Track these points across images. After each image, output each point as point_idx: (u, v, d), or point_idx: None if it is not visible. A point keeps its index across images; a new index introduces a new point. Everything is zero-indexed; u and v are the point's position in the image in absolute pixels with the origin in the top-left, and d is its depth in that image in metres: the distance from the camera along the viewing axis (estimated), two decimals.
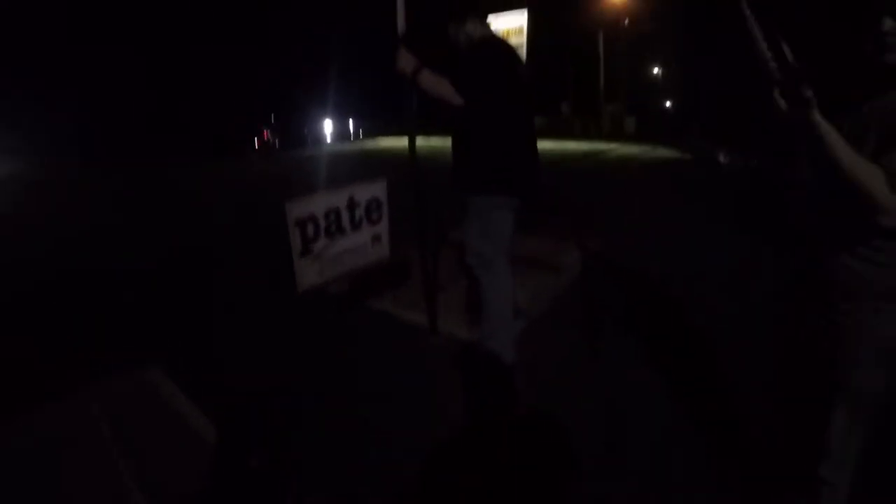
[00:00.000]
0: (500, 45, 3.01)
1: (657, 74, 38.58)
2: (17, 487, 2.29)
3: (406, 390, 2.96)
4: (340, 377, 3.15)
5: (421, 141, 3.45)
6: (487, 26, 3.10)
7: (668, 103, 37.87)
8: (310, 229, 3.26)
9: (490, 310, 3.05)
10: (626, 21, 31.49)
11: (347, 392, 2.99)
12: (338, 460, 2.41)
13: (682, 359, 3.15)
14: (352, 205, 3.45)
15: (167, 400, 2.93)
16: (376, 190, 3.57)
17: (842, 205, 1.42)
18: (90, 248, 7.23)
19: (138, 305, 4.64)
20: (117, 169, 20.59)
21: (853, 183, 1.32)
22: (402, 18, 3.04)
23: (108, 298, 4.88)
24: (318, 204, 3.29)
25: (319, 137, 43.88)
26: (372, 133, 40.18)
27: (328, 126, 45.79)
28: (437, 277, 4.40)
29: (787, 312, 1.73)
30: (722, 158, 12.58)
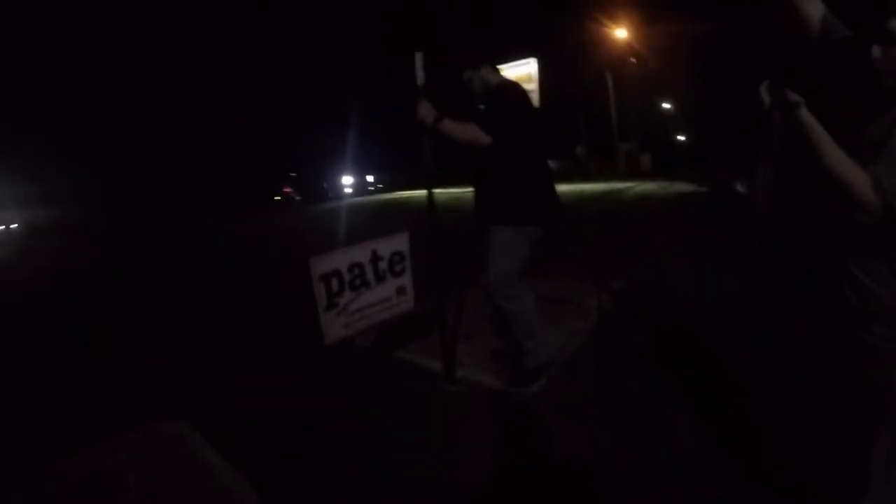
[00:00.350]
0: (517, 87, 3.24)
1: (669, 109, 38.87)
2: None
3: (424, 439, 2.93)
4: (360, 427, 3.13)
5: (439, 190, 3.53)
6: (499, 73, 3.35)
7: (681, 137, 38.03)
8: (334, 284, 3.30)
9: (519, 334, 3.26)
10: (633, 60, 31.95)
11: (365, 441, 2.96)
12: None
13: (710, 393, 3.07)
14: (375, 258, 3.49)
15: (193, 451, 2.95)
16: (399, 243, 3.62)
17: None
18: (115, 302, 7.35)
19: (166, 359, 4.69)
20: (143, 225, 21.07)
21: (836, 178, 1.37)
22: (421, 71, 3.17)
23: (134, 352, 4.95)
24: (341, 259, 3.34)
25: (339, 191, 44.89)
26: (390, 185, 40.91)
27: (347, 179, 46.86)
28: (461, 326, 4.41)
29: (814, 339, 1.70)
30: (739, 188, 12.50)
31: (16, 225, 43.47)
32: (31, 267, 14.64)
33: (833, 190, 1.40)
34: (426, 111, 3.06)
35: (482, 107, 3.26)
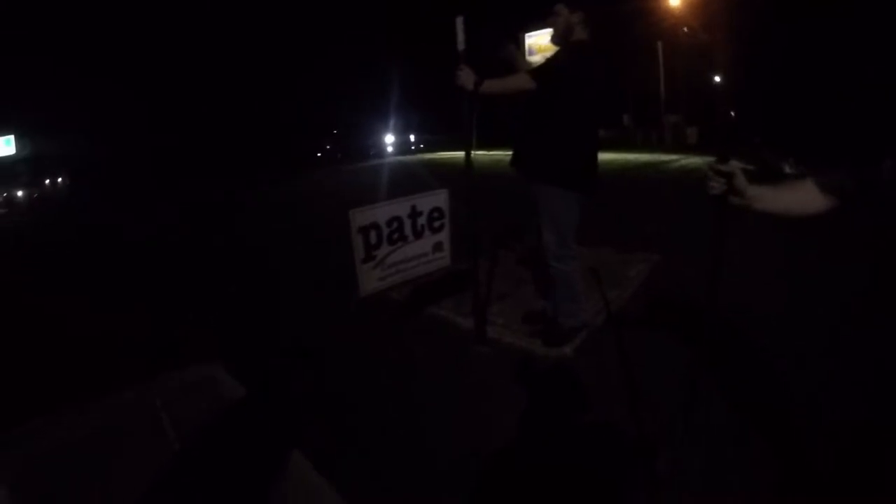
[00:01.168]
0: (590, 49, 3.15)
1: (718, 83, 37.53)
2: (77, 475, 2.40)
3: (453, 397, 2.95)
4: (390, 382, 3.17)
5: (481, 152, 3.49)
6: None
7: (731, 113, 36.80)
8: (372, 236, 3.33)
9: (562, 295, 3.34)
10: (685, 30, 30.83)
11: (395, 396, 3.00)
12: (382, 471, 2.43)
13: (741, 372, 3.02)
14: (414, 214, 3.50)
15: (226, 395, 3.04)
16: (438, 200, 3.62)
17: None
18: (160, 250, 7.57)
19: (208, 307, 4.83)
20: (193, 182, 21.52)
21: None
22: (462, 35, 3.13)
23: (175, 297, 5.11)
24: (380, 213, 3.36)
25: (381, 149, 45.05)
26: (433, 145, 40.75)
27: (390, 139, 46.94)
28: (494, 286, 4.41)
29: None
30: (788, 168, 12.07)
31: (60, 179, 45.11)
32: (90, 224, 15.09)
33: None
34: (466, 77, 3.05)
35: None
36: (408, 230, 3.49)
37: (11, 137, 38.18)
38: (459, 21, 3.11)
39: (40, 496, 2.30)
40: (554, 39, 3.21)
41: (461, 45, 3.13)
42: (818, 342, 3.14)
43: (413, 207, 3.51)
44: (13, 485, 2.32)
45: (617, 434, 2.54)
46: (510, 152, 3.35)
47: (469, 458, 2.42)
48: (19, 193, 39.23)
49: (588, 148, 3.23)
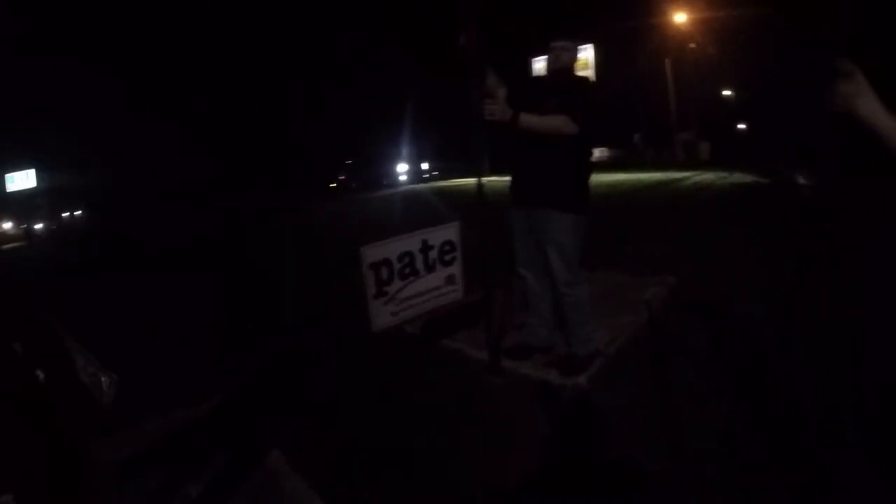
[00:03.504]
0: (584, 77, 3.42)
1: (728, 97, 37.54)
2: None
3: (468, 430, 2.93)
4: (405, 415, 3.16)
5: (493, 178, 3.53)
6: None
7: (741, 126, 36.71)
8: (384, 272, 3.35)
9: (575, 321, 3.37)
10: (693, 46, 30.93)
11: (411, 429, 2.99)
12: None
13: (762, 393, 2.97)
14: (425, 248, 3.52)
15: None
16: (449, 233, 3.63)
17: None
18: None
19: (217, 340, 4.87)
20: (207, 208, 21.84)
21: None
22: (493, 77, 3.23)
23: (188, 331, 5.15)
24: (391, 248, 3.38)
25: (394, 178, 45.48)
26: (445, 173, 41.03)
27: (402, 167, 47.41)
28: (508, 317, 4.39)
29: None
30: (801, 180, 11.97)
31: (79, 212, 46.07)
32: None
33: None
34: (501, 110, 3.04)
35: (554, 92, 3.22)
36: (419, 264, 3.51)
37: (33, 171, 39.23)
38: (490, 69, 3.21)
39: None
40: (556, 71, 3.25)
41: (492, 82, 3.23)
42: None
43: (424, 242, 3.52)
44: None
45: (636, 467, 2.50)
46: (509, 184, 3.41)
47: (486, 490, 2.40)
48: (37, 226, 39.92)
49: (590, 170, 3.37)
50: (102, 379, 1.57)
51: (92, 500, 1.62)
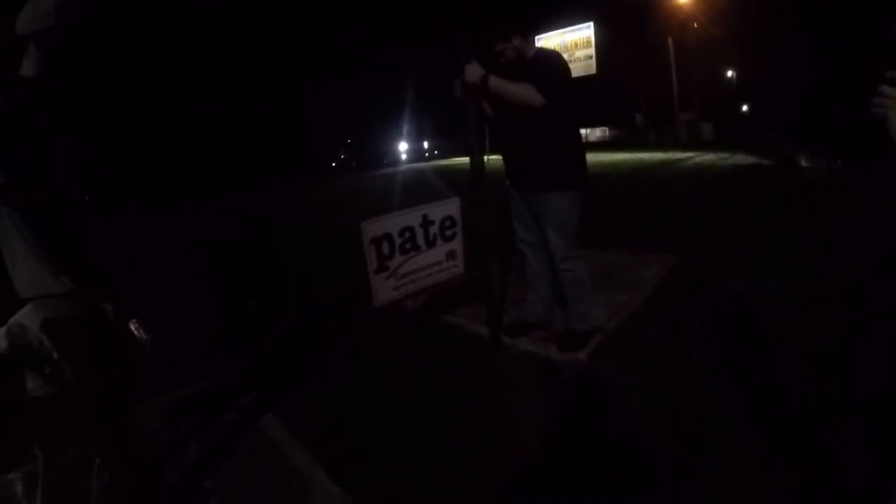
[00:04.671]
0: (557, 54, 3.37)
1: (732, 78, 37.26)
2: None
3: (468, 405, 2.95)
4: (406, 390, 3.20)
5: (494, 157, 3.52)
6: (533, 43, 3.36)
7: (744, 107, 36.48)
8: (385, 247, 3.35)
9: (574, 297, 3.41)
10: (696, 25, 30.62)
11: (412, 404, 3.02)
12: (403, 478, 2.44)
13: (761, 378, 2.98)
14: (426, 223, 3.51)
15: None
16: (450, 209, 3.63)
17: None
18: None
19: (216, 321, 4.89)
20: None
21: None
22: (462, 39, 3.20)
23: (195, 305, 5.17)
24: (392, 223, 3.38)
25: (395, 157, 45.31)
26: (446, 151, 40.87)
27: (403, 146, 47.21)
28: (509, 293, 4.41)
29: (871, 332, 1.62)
30: (804, 162, 11.92)
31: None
32: None
33: None
34: (472, 71, 3.11)
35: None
36: (420, 240, 3.50)
37: None
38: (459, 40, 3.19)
39: None
40: (515, 68, 3.23)
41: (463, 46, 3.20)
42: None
43: (425, 217, 3.52)
44: None
45: (636, 441, 2.53)
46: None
47: (487, 466, 2.43)
48: None
49: (582, 148, 3.39)
50: (145, 337, 1.91)
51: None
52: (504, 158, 3.47)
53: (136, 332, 1.89)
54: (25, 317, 1.84)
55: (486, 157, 3.36)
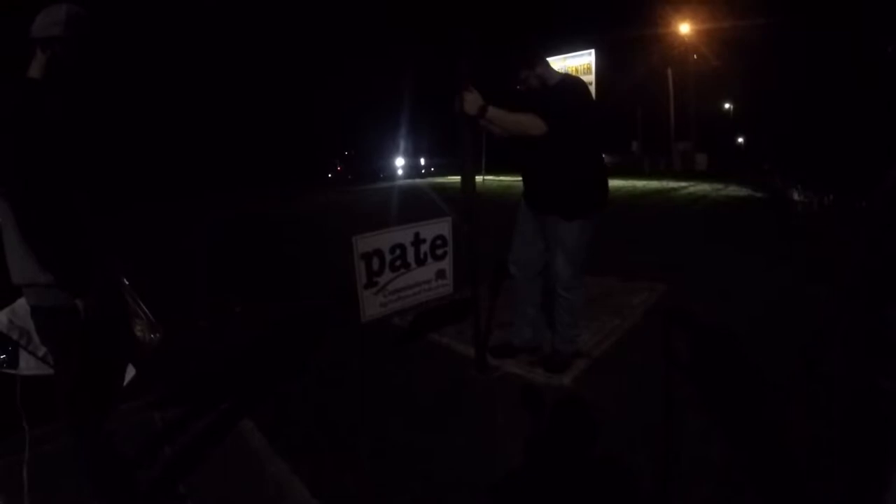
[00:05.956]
0: (579, 80, 3.31)
1: (728, 110, 37.72)
2: None
3: (451, 425, 2.94)
4: (390, 408, 3.17)
5: (490, 177, 3.54)
6: (556, 70, 3.32)
7: (740, 139, 36.87)
8: (375, 263, 3.34)
9: (564, 323, 3.42)
10: (695, 56, 31.01)
11: (396, 422, 3.00)
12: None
13: (745, 406, 2.99)
14: (417, 241, 3.52)
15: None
16: (441, 228, 3.64)
17: None
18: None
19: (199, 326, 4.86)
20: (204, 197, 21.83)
21: None
22: (466, 63, 3.14)
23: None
24: (384, 239, 3.38)
25: (391, 172, 45.41)
26: (443, 169, 41.04)
27: (400, 161, 47.36)
28: (496, 315, 4.42)
29: (855, 367, 1.63)
30: (796, 196, 12.06)
31: None
32: None
33: None
34: (471, 102, 3.05)
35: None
36: (411, 257, 3.51)
37: None
38: (463, 63, 3.13)
39: None
40: (537, 95, 3.22)
41: (465, 72, 3.12)
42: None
43: (416, 235, 3.53)
44: None
45: (614, 467, 2.53)
46: (518, 179, 3.39)
47: (467, 486, 2.42)
48: None
49: (603, 173, 3.37)
50: (151, 336, 2.10)
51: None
52: (522, 178, 3.47)
53: (139, 334, 2.01)
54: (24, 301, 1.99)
55: (482, 178, 3.37)
